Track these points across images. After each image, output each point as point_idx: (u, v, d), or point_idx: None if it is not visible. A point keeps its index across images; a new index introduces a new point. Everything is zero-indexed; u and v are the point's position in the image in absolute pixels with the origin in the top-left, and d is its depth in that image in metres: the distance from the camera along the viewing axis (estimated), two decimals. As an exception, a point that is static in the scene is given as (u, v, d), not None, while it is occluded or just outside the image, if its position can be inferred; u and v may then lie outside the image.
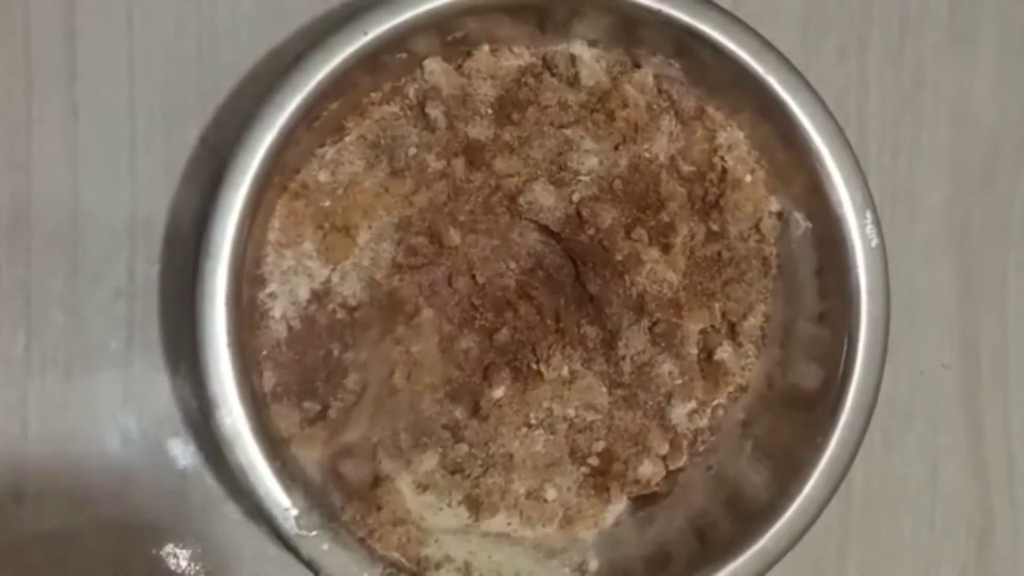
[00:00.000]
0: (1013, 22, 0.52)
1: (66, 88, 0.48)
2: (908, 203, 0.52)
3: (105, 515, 0.48)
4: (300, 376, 0.46)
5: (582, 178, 0.47)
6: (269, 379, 0.46)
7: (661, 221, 0.47)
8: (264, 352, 0.46)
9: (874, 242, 0.45)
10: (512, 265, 0.48)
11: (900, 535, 0.52)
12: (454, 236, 0.47)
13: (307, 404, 0.46)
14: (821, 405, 0.46)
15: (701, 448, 0.49)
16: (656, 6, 0.44)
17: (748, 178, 0.48)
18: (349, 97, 0.46)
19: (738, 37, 0.45)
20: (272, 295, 0.46)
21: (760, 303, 0.48)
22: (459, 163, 0.47)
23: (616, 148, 0.47)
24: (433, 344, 0.47)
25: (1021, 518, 0.52)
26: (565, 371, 0.47)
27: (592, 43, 0.47)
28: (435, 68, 0.46)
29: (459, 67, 0.47)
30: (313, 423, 0.46)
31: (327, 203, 0.46)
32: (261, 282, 0.46)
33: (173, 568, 0.48)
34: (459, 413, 0.47)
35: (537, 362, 0.47)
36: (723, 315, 0.48)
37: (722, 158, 0.47)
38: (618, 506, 0.48)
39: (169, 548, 0.48)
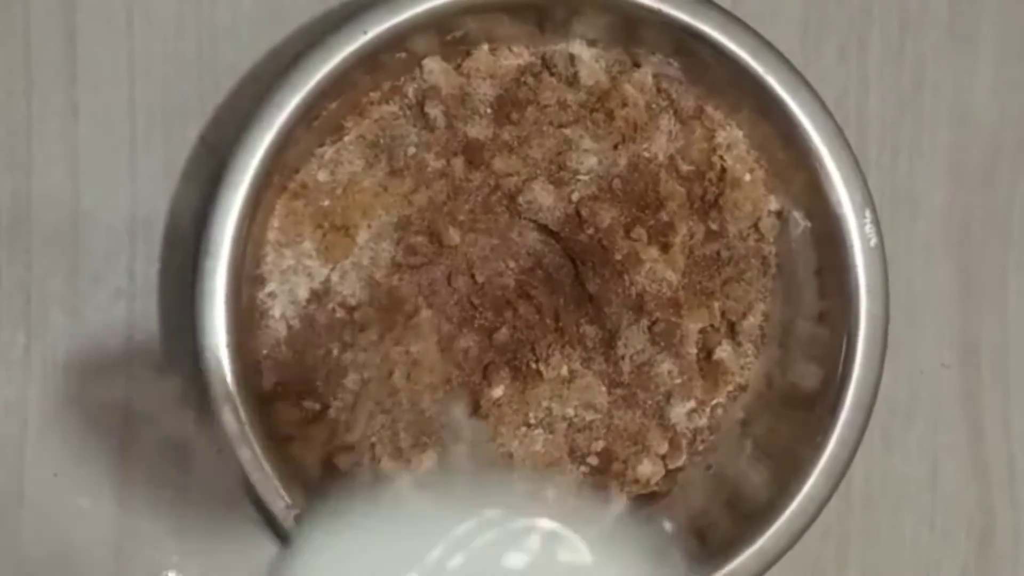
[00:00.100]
0: (1013, 22, 0.52)
1: (66, 88, 0.48)
2: (908, 203, 0.52)
3: (105, 514, 0.48)
4: (300, 375, 0.46)
5: (581, 177, 0.47)
6: (269, 378, 0.46)
7: (660, 220, 0.47)
8: (264, 352, 0.46)
9: (873, 241, 0.45)
10: (511, 264, 0.48)
11: (900, 535, 0.52)
12: (453, 235, 0.47)
13: (307, 403, 0.46)
14: (820, 404, 0.46)
15: (700, 447, 0.49)
16: (655, 5, 0.44)
17: (747, 177, 0.48)
18: (348, 97, 0.46)
19: (737, 37, 0.45)
20: (272, 294, 0.46)
21: (759, 302, 0.48)
22: (458, 162, 0.47)
23: (615, 147, 0.47)
24: (432, 343, 0.47)
25: (1022, 518, 0.52)
26: (564, 370, 0.47)
27: (591, 42, 0.47)
28: (434, 67, 0.46)
29: (458, 66, 0.47)
30: (313, 422, 0.46)
31: (326, 202, 0.46)
32: (261, 281, 0.46)
33: (173, 568, 0.48)
34: (458, 413, 0.47)
35: (536, 361, 0.47)
36: (722, 314, 0.48)
37: (721, 157, 0.47)
38: (617, 505, 0.48)
39: (169, 547, 0.48)
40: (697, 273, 0.48)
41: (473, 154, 0.47)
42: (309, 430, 0.46)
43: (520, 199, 0.47)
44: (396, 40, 0.44)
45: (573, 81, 0.47)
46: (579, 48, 0.47)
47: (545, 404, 0.47)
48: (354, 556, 0.33)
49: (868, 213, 0.45)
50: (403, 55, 0.46)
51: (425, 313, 0.47)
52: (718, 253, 0.48)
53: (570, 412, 0.48)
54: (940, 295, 0.52)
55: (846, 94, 0.51)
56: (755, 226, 0.48)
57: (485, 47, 0.47)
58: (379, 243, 0.47)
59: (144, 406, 0.48)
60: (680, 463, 0.49)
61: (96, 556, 0.48)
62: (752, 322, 0.48)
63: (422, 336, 0.47)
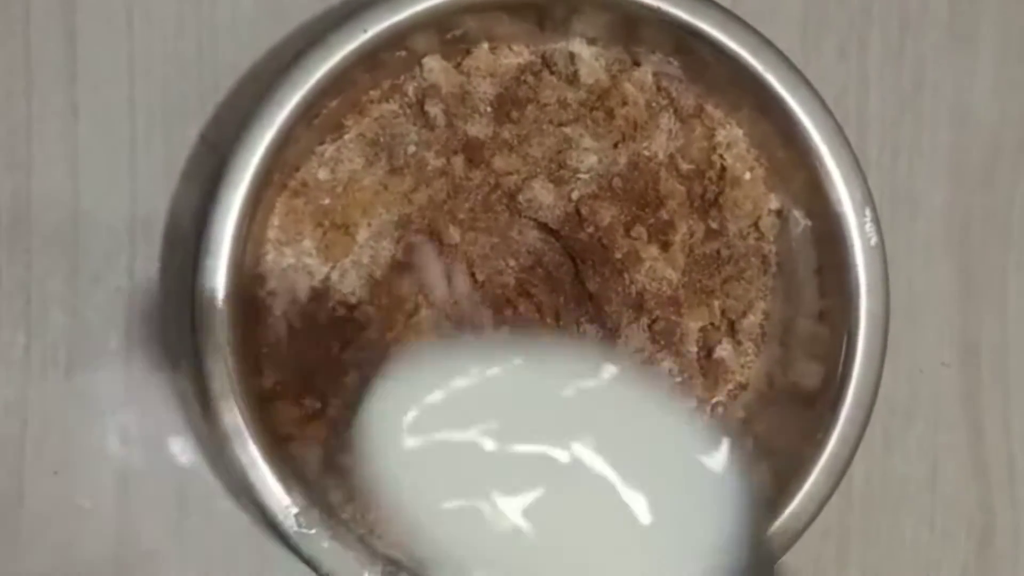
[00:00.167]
0: (1013, 22, 0.52)
1: (66, 88, 0.48)
2: (908, 202, 0.52)
3: (105, 514, 0.48)
4: (300, 374, 0.46)
5: (581, 176, 0.47)
6: (269, 377, 0.46)
7: (660, 219, 0.47)
8: (264, 350, 0.46)
9: (873, 240, 0.45)
10: (511, 263, 0.48)
11: (900, 534, 0.52)
12: (454, 234, 0.47)
13: (307, 402, 0.46)
14: (821, 403, 0.46)
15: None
16: (655, 4, 0.45)
17: (747, 176, 0.48)
18: (348, 95, 0.46)
19: (737, 35, 0.45)
20: (272, 293, 0.46)
21: (759, 301, 0.48)
22: (458, 161, 0.47)
23: (615, 146, 0.47)
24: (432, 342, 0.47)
25: (1021, 518, 0.52)
26: (565, 369, 0.47)
27: (591, 41, 0.47)
28: (434, 66, 0.47)
29: (458, 65, 0.47)
30: (313, 421, 0.46)
31: (327, 201, 0.47)
32: (261, 280, 0.46)
33: (173, 567, 0.48)
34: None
35: (537, 359, 0.47)
36: (722, 313, 0.48)
37: (721, 156, 0.48)
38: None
39: (169, 546, 0.48)
40: (697, 272, 0.48)
41: (473, 153, 0.47)
42: (309, 429, 0.46)
43: (520, 198, 0.47)
44: (396, 38, 0.44)
45: (573, 80, 0.47)
46: (579, 47, 0.47)
47: (545, 402, 0.47)
48: (429, 392, 0.33)
49: (868, 212, 0.45)
50: (403, 53, 0.46)
51: (425, 312, 0.47)
52: (718, 252, 0.48)
53: (570, 410, 0.48)
54: (940, 294, 0.52)
55: (846, 93, 0.51)
56: (755, 225, 0.48)
57: (485, 46, 0.47)
58: (379, 241, 0.47)
59: (144, 405, 0.48)
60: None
61: (96, 556, 0.48)
62: (752, 321, 0.48)
63: (422, 334, 0.47)
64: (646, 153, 0.47)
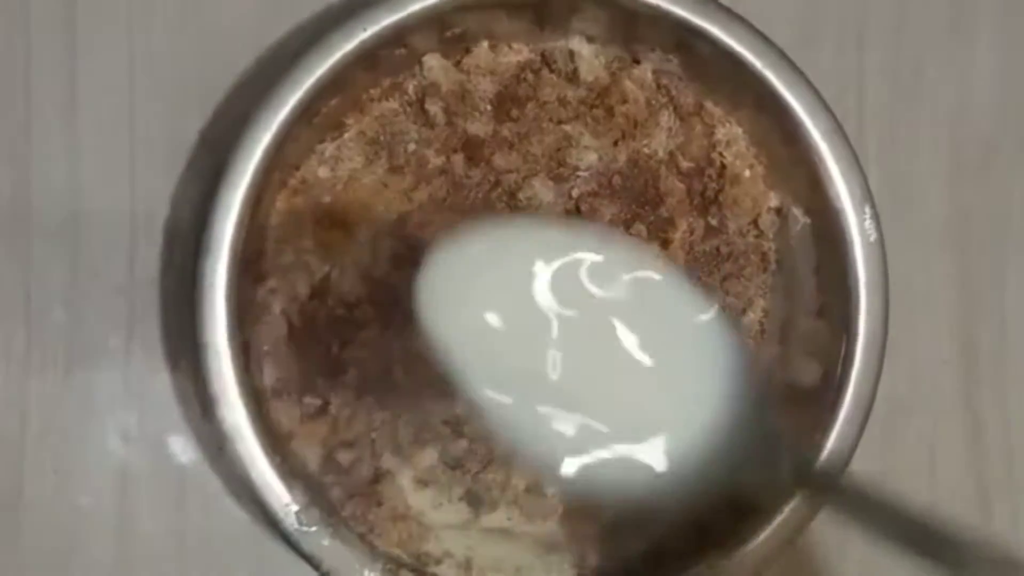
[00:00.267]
0: (1012, 19, 0.52)
1: (66, 88, 0.48)
2: (907, 199, 0.52)
3: (105, 513, 0.48)
4: (300, 372, 0.46)
5: (581, 174, 0.47)
6: (269, 375, 0.46)
7: (660, 216, 0.47)
8: (264, 348, 0.46)
9: (873, 237, 0.45)
10: (512, 261, 0.48)
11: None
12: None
13: (307, 400, 0.46)
14: (820, 400, 0.46)
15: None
16: (655, 2, 0.45)
17: (747, 173, 0.48)
18: (348, 93, 0.46)
19: (737, 33, 0.45)
20: (272, 291, 0.46)
21: (759, 298, 0.48)
22: (458, 159, 0.47)
23: (615, 144, 0.47)
24: (433, 340, 0.47)
25: (1020, 514, 0.52)
26: (565, 366, 0.47)
27: (591, 39, 0.47)
28: (434, 64, 0.47)
29: (458, 63, 0.47)
30: (313, 419, 0.46)
31: (327, 199, 0.47)
32: (261, 278, 0.46)
33: (173, 566, 0.48)
34: (459, 409, 0.47)
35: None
36: (722, 310, 0.48)
37: (721, 154, 0.48)
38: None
39: (169, 544, 0.48)
40: (697, 269, 0.48)
41: (473, 151, 0.47)
42: (309, 427, 0.46)
43: (520, 195, 0.47)
44: (396, 37, 0.44)
45: (573, 78, 0.47)
46: (579, 45, 0.47)
47: (545, 400, 0.47)
48: (482, 261, 0.38)
49: (868, 209, 0.45)
50: (403, 52, 0.46)
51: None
52: (718, 249, 0.48)
53: (570, 408, 0.48)
54: (940, 291, 0.52)
55: (845, 90, 0.51)
56: (755, 222, 0.48)
57: (485, 44, 0.47)
58: (379, 240, 0.47)
59: (144, 403, 0.48)
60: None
61: (96, 556, 0.48)
62: (752, 318, 0.48)
63: (422, 333, 0.47)
64: (646, 151, 0.48)
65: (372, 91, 0.47)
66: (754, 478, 0.39)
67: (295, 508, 0.43)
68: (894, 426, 0.52)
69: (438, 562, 0.46)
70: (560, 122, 0.47)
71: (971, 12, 0.52)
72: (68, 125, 0.48)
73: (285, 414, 0.46)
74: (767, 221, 0.48)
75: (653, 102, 0.48)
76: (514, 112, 0.47)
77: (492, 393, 0.38)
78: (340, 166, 0.47)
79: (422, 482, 0.47)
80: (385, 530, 0.46)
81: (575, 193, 0.47)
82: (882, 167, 0.51)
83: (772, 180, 0.48)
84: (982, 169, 0.52)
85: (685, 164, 0.48)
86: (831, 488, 0.43)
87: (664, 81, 0.48)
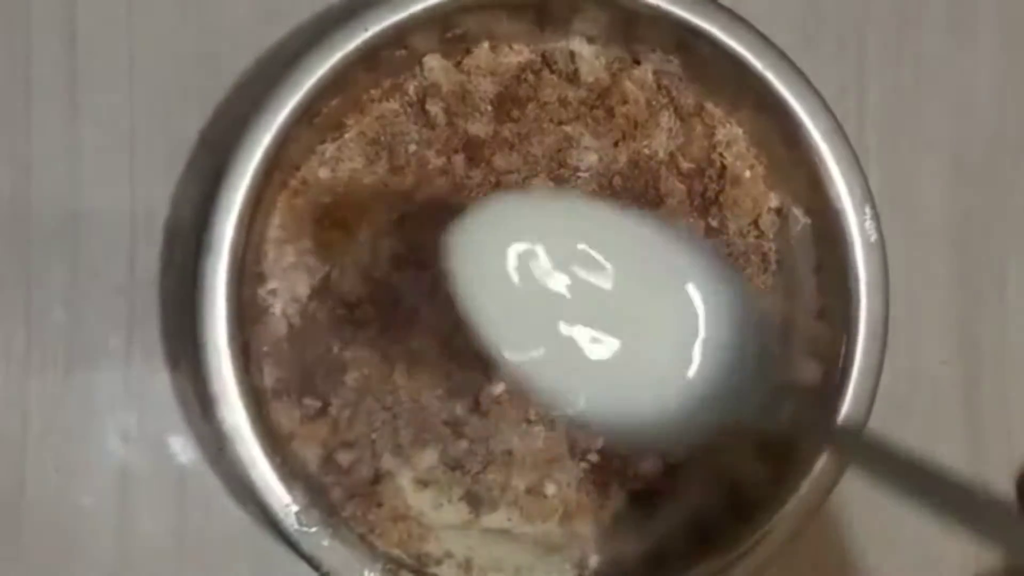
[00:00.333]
0: (1012, 19, 0.52)
1: (66, 88, 0.48)
2: (908, 199, 0.52)
3: (105, 513, 0.48)
4: (300, 373, 0.46)
5: (582, 174, 0.47)
6: (269, 376, 0.46)
7: (660, 217, 0.47)
8: (264, 349, 0.46)
9: (873, 237, 0.45)
10: (512, 261, 0.48)
11: (901, 532, 0.52)
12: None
13: (307, 401, 0.46)
14: (820, 400, 0.46)
15: (700, 445, 0.49)
16: (655, 2, 0.45)
17: (747, 174, 0.48)
18: (349, 94, 0.46)
19: (737, 33, 0.45)
20: (272, 292, 0.46)
21: (759, 299, 0.48)
22: (459, 160, 0.47)
23: (615, 144, 0.47)
24: (433, 340, 0.47)
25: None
26: (565, 367, 0.47)
27: (591, 40, 0.47)
28: (435, 65, 0.47)
29: (459, 64, 0.47)
30: (313, 420, 0.46)
31: (327, 200, 0.47)
32: (261, 279, 0.46)
33: (173, 566, 0.48)
34: (459, 409, 0.47)
35: (537, 358, 0.47)
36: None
37: (721, 154, 0.48)
38: (618, 502, 0.48)
39: (169, 545, 0.48)
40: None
41: (474, 151, 0.47)
42: (309, 427, 0.46)
43: (521, 196, 0.47)
44: (397, 37, 0.44)
45: (573, 78, 0.47)
46: (579, 45, 0.47)
47: (546, 400, 0.47)
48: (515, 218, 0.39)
49: (868, 209, 0.45)
50: (403, 52, 0.46)
51: (425, 310, 0.47)
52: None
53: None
54: (940, 291, 0.52)
55: (845, 91, 0.51)
56: (755, 223, 0.48)
57: (485, 44, 0.47)
58: (380, 240, 0.47)
59: (145, 404, 0.48)
60: (680, 460, 0.49)
61: (96, 555, 0.48)
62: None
63: (422, 333, 0.47)
64: (646, 151, 0.48)
65: (373, 92, 0.47)
66: (763, 425, 0.40)
67: (295, 509, 0.43)
68: (894, 426, 0.51)
69: (438, 563, 0.46)
70: (561, 123, 0.47)
71: (971, 12, 0.52)
72: (68, 125, 0.48)
73: (285, 415, 0.46)
74: (767, 222, 0.48)
75: (654, 103, 0.48)
76: (515, 113, 0.47)
77: (517, 343, 0.39)
78: (341, 167, 0.47)
79: (422, 483, 0.47)
80: (385, 531, 0.46)
81: (575, 194, 0.47)
82: (882, 167, 0.51)
83: (772, 181, 0.48)
84: (982, 169, 0.52)
85: (685, 165, 0.48)
86: (840, 439, 0.44)
87: (665, 82, 0.48)
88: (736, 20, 0.45)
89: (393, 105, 0.47)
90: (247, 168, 0.43)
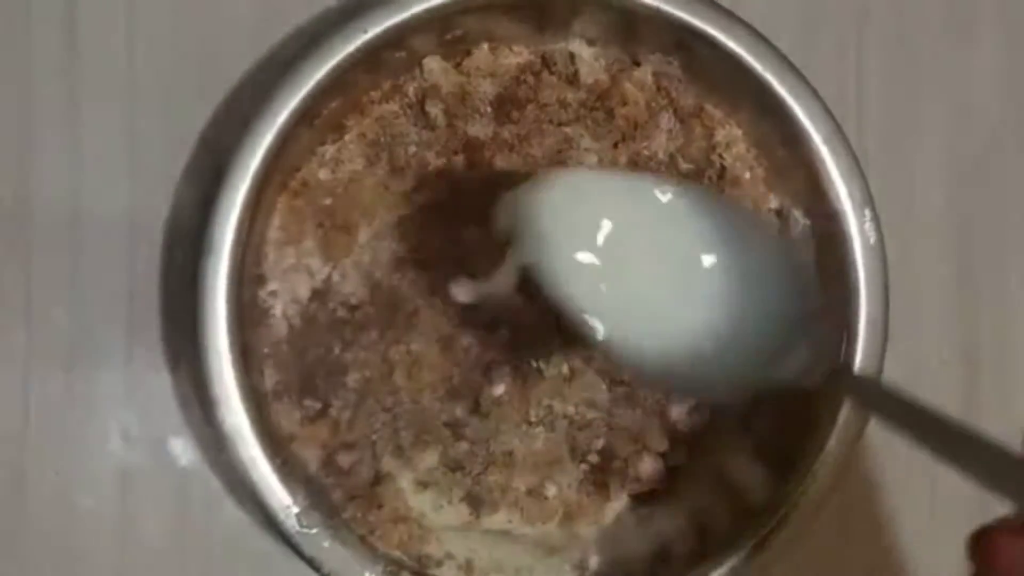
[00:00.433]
0: (1012, 18, 0.52)
1: (66, 88, 0.48)
2: (907, 200, 0.52)
3: (105, 514, 0.48)
4: (301, 374, 0.46)
5: (582, 175, 0.47)
6: (270, 377, 0.46)
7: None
8: (265, 350, 0.46)
9: (873, 239, 0.45)
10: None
11: (901, 533, 0.52)
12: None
13: (308, 402, 0.46)
14: (821, 401, 0.46)
15: (701, 445, 0.49)
16: (655, 4, 0.45)
17: (747, 175, 0.48)
18: (349, 95, 0.46)
19: (736, 34, 0.45)
20: (273, 293, 0.46)
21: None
22: (459, 161, 0.47)
23: (615, 146, 0.47)
24: (433, 342, 0.47)
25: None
26: (565, 368, 0.47)
27: (591, 41, 0.47)
28: (434, 66, 0.47)
29: (458, 65, 0.47)
30: (314, 421, 0.46)
31: (327, 201, 0.47)
32: (262, 280, 0.46)
33: (173, 567, 0.48)
34: (459, 411, 0.47)
35: (537, 359, 0.47)
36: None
37: (720, 156, 0.48)
38: (618, 503, 0.48)
39: (169, 546, 0.48)
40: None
41: (474, 153, 0.47)
42: (310, 429, 0.46)
43: (521, 197, 0.47)
44: (396, 39, 0.44)
45: (573, 80, 0.47)
46: (579, 47, 0.47)
47: (546, 402, 0.47)
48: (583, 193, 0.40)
49: (867, 211, 0.45)
50: (403, 54, 0.46)
51: (426, 312, 0.47)
52: (718, 251, 0.48)
53: (571, 410, 0.48)
54: (940, 292, 0.52)
55: (845, 92, 0.51)
56: (755, 224, 0.48)
57: (485, 46, 0.47)
58: (380, 242, 0.47)
59: (145, 405, 0.48)
60: (681, 461, 0.49)
61: (96, 556, 0.48)
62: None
63: (423, 335, 0.47)
64: (646, 153, 0.48)
65: (373, 93, 0.47)
66: (788, 375, 0.41)
67: (296, 510, 0.43)
68: (894, 426, 0.52)
69: (439, 564, 0.46)
70: (560, 124, 0.47)
71: (971, 12, 0.52)
72: (68, 125, 0.48)
73: (286, 416, 0.46)
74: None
75: (653, 104, 0.48)
76: (514, 114, 0.47)
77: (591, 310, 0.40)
78: (341, 168, 0.47)
79: (423, 484, 0.47)
80: (386, 532, 0.46)
81: (575, 195, 0.47)
82: (882, 169, 0.51)
83: (772, 182, 0.48)
84: (982, 170, 0.52)
85: (685, 166, 0.48)
86: (859, 388, 0.44)
87: (664, 83, 0.48)
88: (736, 21, 0.45)
89: (393, 107, 0.47)
90: (247, 169, 0.43)
